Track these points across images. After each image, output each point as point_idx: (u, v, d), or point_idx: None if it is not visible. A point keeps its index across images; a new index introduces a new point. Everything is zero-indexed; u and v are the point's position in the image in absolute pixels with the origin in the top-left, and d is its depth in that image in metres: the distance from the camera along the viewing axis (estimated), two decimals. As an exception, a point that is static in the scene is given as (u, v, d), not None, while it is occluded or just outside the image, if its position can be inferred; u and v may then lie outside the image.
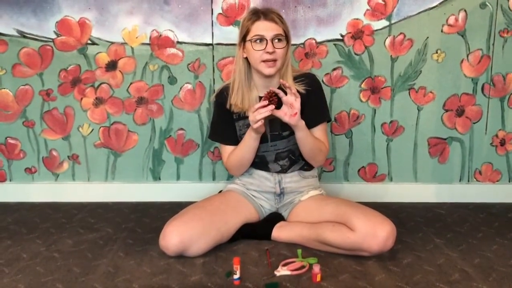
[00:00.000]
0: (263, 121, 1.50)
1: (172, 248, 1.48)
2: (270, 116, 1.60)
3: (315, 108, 1.66)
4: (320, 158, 1.68)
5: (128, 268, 1.47)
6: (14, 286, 1.36)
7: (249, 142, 1.61)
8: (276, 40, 1.55)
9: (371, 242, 1.44)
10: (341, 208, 1.55)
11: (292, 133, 1.63)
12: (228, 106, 1.67)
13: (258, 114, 1.48)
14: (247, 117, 1.61)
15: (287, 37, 1.59)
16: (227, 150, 1.73)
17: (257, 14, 1.57)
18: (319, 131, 1.68)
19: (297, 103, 1.50)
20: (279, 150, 1.68)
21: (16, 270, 1.47)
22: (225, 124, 1.71)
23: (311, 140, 1.60)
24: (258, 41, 1.55)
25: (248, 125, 1.60)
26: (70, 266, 1.49)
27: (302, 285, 1.35)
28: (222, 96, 1.69)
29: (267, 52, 1.54)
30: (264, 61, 1.56)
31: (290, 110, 1.51)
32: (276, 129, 1.66)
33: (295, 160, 1.71)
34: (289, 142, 1.67)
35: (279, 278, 1.38)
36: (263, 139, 1.65)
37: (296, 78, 1.66)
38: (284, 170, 1.70)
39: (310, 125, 1.63)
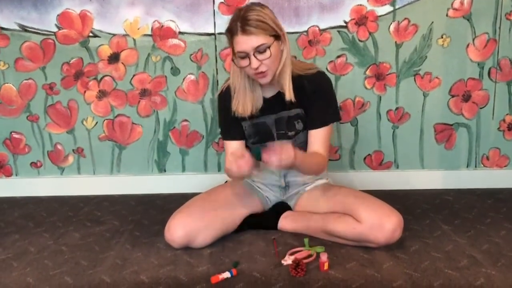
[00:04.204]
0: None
1: (177, 241, 1.48)
2: (276, 115, 1.58)
3: (320, 109, 1.57)
4: (319, 171, 1.61)
5: (136, 260, 1.47)
6: (23, 280, 1.37)
7: (235, 181, 1.62)
8: (258, 53, 1.42)
9: (377, 234, 1.42)
10: (348, 198, 1.53)
11: (297, 132, 1.61)
12: (232, 109, 1.59)
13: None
14: (252, 117, 1.58)
15: (276, 36, 1.45)
16: (232, 146, 1.65)
17: (235, 28, 1.42)
18: (320, 136, 1.57)
19: (283, 164, 1.39)
20: None
21: (25, 263, 1.47)
22: (232, 123, 1.63)
23: (307, 165, 1.51)
24: (242, 57, 1.45)
25: (253, 125, 1.59)
26: (78, 259, 1.49)
27: (310, 273, 1.35)
28: (226, 97, 1.61)
29: (253, 68, 1.45)
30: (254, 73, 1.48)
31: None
32: (282, 128, 1.62)
33: None
34: (295, 142, 1.61)
35: (286, 267, 1.38)
36: (269, 138, 1.62)
37: (303, 78, 1.56)
38: None
39: (313, 126, 1.57)
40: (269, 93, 1.60)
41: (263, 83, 1.52)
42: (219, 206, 1.57)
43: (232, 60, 1.50)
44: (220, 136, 2.12)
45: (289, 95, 1.52)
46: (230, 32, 1.45)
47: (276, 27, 1.45)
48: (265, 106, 1.59)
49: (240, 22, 1.41)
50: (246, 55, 1.43)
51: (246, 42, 1.41)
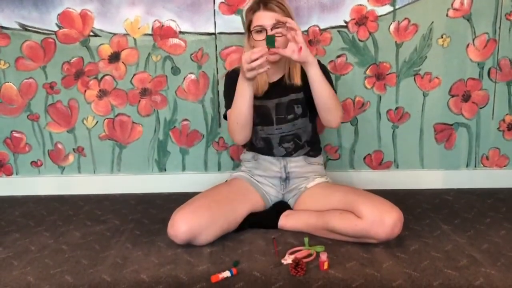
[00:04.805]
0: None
1: (180, 236, 1.48)
2: (277, 99, 1.59)
3: None
4: (337, 109, 1.56)
5: (136, 259, 1.47)
6: (23, 278, 1.37)
7: (243, 92, 1.52)
8: (274, 29, 1.54)
9: (378, 229, 1.43)
10: (348, 195, 1.54)
11: (296, 117, 1.64)
12: None
13: (252, 71, 1.41)
14: (258, 98, 1.62)
15: None
16: None
17: (258, 4, 1.57)
18: None
19: (298, 36, 1.44)
20: (283, 134, 1.68)
21: (25, 262, 1.48)
22: None
23: (325, 81, 1.51)
24: (259, 31, 1.56)
25: (255, 108, 1.59)
26: (78, 258, 1.49)
27: (310, 273, 1.35)
28: (233, 76, 1.62)
29: None
30: None
31: (295, 46, 1.45)
32: (282, 113, 1.67)
33: (301, 145, 1.71)
34: (294, 126, 1.68)
35: (286, 266, 1.39)
36: (268, 122, 1.67)
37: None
38: (289, 154, 1.70)
39: None
40: (273, 78, 1.67)
41: (271, 60, 1.57)
42: (221, 204, 1.58)
43: (248, 38, 1.62)
44: (220, 135, 2.12)
45: (298, 78, 1.62)
46: (252, 10, 1.59)
47: (292, 15, 1.59)
48: (268, 90, 1.66)
49: (263, 1, 1.56)
50: (263, 29, 1.55)
51: (267, 16, 1.55)
